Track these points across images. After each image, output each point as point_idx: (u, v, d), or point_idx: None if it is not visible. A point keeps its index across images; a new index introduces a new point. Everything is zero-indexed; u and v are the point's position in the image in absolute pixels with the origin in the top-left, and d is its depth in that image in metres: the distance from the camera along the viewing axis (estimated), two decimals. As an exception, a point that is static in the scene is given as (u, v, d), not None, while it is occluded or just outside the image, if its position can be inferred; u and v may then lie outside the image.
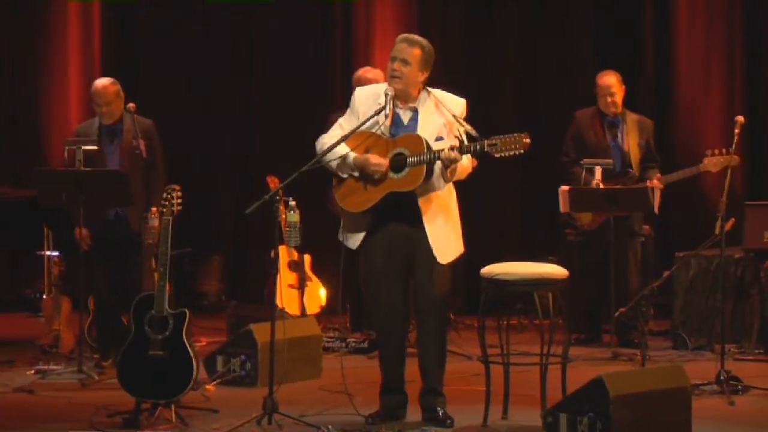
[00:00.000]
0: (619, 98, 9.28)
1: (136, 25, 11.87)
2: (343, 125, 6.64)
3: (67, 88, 11.66)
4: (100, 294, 8.47)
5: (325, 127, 6.81)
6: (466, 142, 6.40)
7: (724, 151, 8.82)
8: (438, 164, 6.42)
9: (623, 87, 9.32)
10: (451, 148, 6.33)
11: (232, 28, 11.88)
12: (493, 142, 6.31)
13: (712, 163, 8.93)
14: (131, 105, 8.29)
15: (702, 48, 11.09)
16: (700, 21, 11.11)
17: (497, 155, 6.34)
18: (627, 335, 9.06)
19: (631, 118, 9.33)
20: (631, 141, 9.25)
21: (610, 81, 9.27)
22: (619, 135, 9.28)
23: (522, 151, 6.30)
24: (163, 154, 8.53)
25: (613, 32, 11.32)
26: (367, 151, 6.52)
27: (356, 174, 6.54)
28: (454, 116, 6.48)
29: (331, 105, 11.04)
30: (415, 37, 6.63)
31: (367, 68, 9.24)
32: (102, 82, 8.44)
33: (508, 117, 11.22)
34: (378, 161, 6.46)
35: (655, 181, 9.06)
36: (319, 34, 11.78)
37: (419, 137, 6.45)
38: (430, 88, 6.59)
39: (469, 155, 6.51)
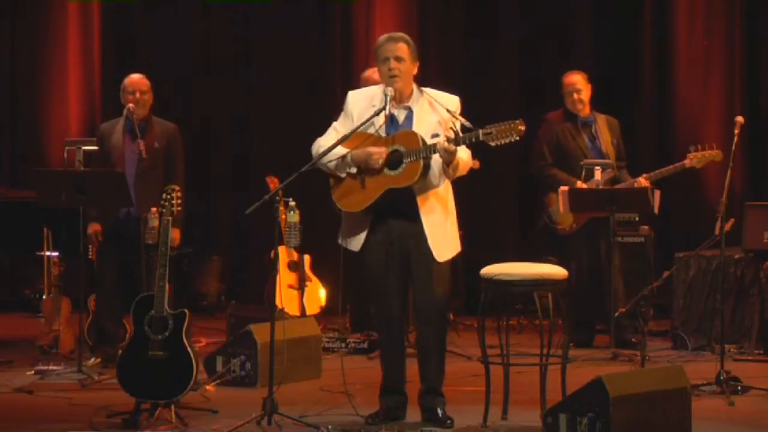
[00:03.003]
0: (585, 96, 9.30)
1: (136, 25, 11.87)
2: (337, 128, 6.65)
3: (67, 88, 11.66)
4: (104, 293, 8.48)
5: (328, 129, 6.79)
6: (461, 134, 6.40)
7: (707, 146, 8.89)
8: (437, 160, 6.42)
9: (589, 86, 9.34)
10: (447, 140, 6.33)
11: (232, 28, 11.88)
12: (489, 130, 6.31)
13: (696, 158, 8.97)
14: (131, 106, 8.29)
15: (702, 48, 11.09)
16: (699, 21, 11.11)
17: (493, 143, 6.32)
18: (625, 336, 9.05)
19: (601, 118, 9.37)
20: (605, 141, 9.28)
21: (575, 78, 9.32)
22: (595, 136, 9.30)
23: (518, 138, 6.29)
24: (185, 159, 8.55)
25: (613, 32, 11.31)
26: None
27: (354, 170, 6.54)
28: (448, 111, 6.49)
29: (330, 105, 11.04)
30: (396, 33, 6.68)
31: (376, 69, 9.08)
32: (137, 74, 8.48)
33: (508, 117, 11.17)
34: (378, 149, 6.46)
35: (641, 180, 9.06)
36: (318, 34, 11.78)
37: (414, 133, 6.45)
38: (422, 88, 6.60)
39: (469, 151, 6.51)
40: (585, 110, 9.31)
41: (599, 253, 9.03)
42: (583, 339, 9.19)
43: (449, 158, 6.37)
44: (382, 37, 6.65)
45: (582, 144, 9.28)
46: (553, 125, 9.39)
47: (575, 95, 9.27)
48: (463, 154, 6.48)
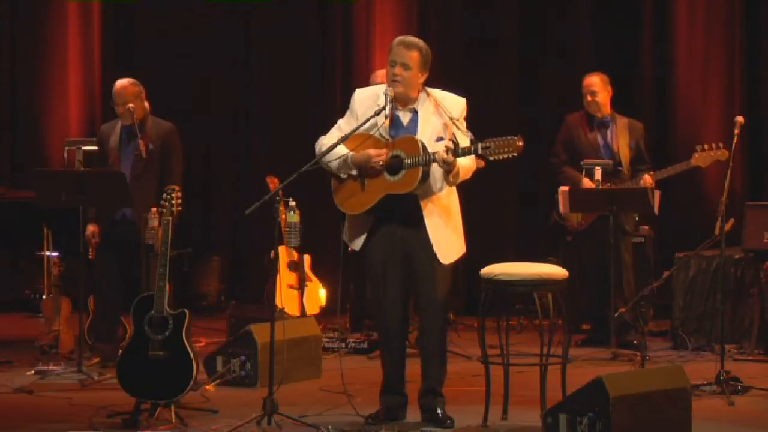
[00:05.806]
0: (601, 98, 9.31)
1: (136, 25, 11.86)
2: (342, 127, 6.65)
3: (67, 89, 11.65)
4: (103, 293, 8.47)
5: (329, 129, 6.79)
6: (461, 144, 6.39)
7: (714, 146, 8.89)
8: (436, 167, 6.41)
9: (609, 89, 9.37)
10: (446, 151, 6.33)
11: (232, 28, 11.88)
12: (487, 145, 6.30)
13: (701, 158, 8.98)
14: (131, 105, 8.29)
15: (702, 48, 11.09)
16: (699, 21, 11.11)
17: (491, 158, 6.33)
18: (626, 336, 9.05)
19: (621, 120, 9.38)
20: (620, 142, 9.29)
21: (592, 80, 9.36)
22: (609, 135, 9.32)
23: (516, 155, 6.30)
24: (183, 159, 8.53)
25: (613, 32, 11.31)
26: None
27: (354, 173, 6.54)
28: (450, 118, 6.48)
29: (330, 105, 11.05)
30: (412, 39, 6.62)
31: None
32: (121, 82, 8.43)
33: (508, 117, 11.21)
34: (378, 151, 6.46)
35: (647, 177, 9.06)
36: (319, 34, 11.77)
37: (415, 139, 6.44)
38: (429, 89, 6.59)
39: (472, 156, 6.50)
40: (601, 111, 9.32)
41: (606, 250, 8.97)
42: (599, 335, 9.16)
43: (447, 168, 6.36)
44: (397, 39, 6.63)
45: (594, 143, 9.30)
46: (570, 124, 9.46)
47: (589, 97, 9.32)
48: (465, 160, 6.45)
